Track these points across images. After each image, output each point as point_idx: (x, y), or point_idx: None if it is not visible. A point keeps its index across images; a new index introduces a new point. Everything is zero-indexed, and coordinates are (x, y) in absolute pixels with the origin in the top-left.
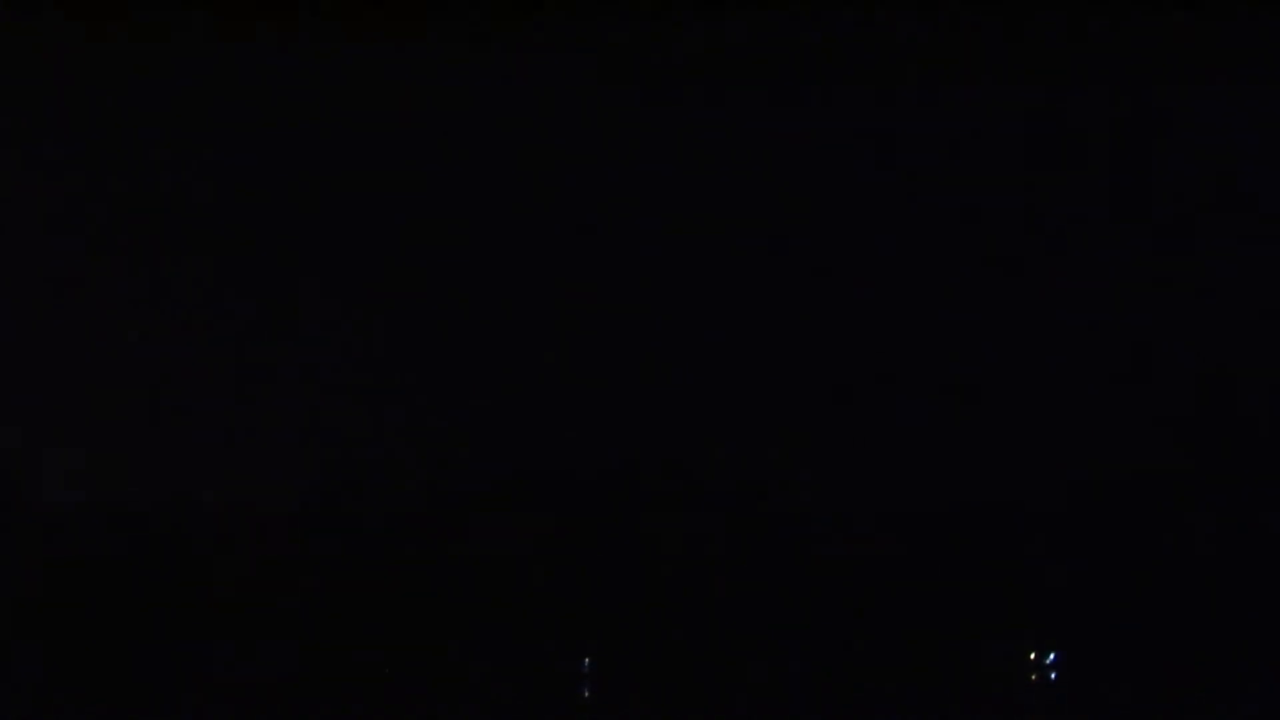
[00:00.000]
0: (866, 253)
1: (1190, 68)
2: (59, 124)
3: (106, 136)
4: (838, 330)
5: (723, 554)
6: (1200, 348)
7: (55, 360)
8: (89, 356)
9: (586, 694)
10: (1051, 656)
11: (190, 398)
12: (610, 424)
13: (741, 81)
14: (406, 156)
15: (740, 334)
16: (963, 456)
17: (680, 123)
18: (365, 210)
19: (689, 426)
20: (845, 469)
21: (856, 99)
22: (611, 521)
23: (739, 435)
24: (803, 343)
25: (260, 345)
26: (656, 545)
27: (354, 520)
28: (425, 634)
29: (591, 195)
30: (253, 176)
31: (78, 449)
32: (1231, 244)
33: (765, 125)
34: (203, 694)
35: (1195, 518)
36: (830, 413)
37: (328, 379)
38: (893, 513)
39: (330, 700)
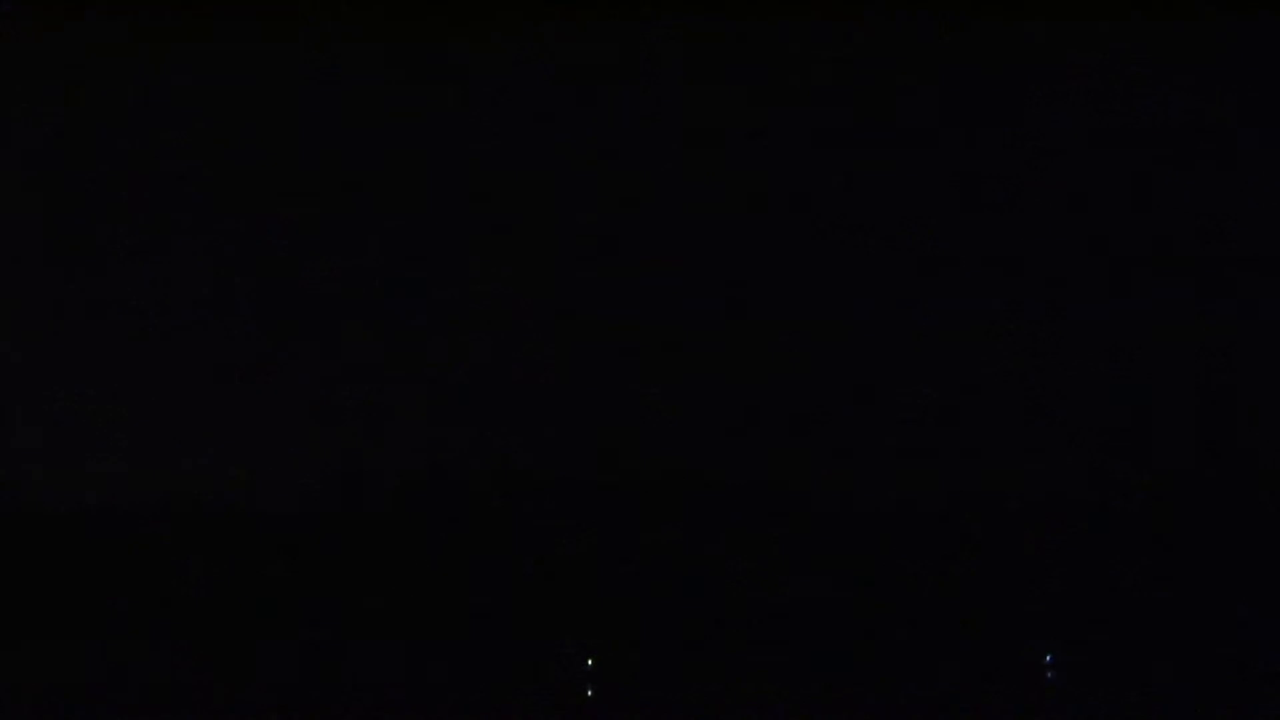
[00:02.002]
0: (866, 251)
1: (1190, 68)
2: (59, 124)
3: (107, 138)
4: (839, 330)
5: (724, 554)
6: (1201, 349)
7: (55, 360)
8: (89, 357)
9: (590, 693)
10: (1049, 658)
11: (190, 398)
12: (613, 425)
13: (741, 80)
14: (406, 160)
15: (741, 333)
16: (962, 457)
17: (679, 122)
18: (365, 212)
19: (690, 428)
20: (845, 470)
21: (856, 100)
22: (614, 522)
23: (740, 436)
24: (804, 342)
25: (260, 346)
26: (658, 546)
27: (356, 521)
28: (430, 634)
29: (591, 196)
30: (253, 178)
31: (78, 449)
32: (1232, 243)
33: (764, 125)
34: (203, 692)
35: (1195, 518)
36: (830, 413)
37: (328, 380)
38: (892, 513)
39: (332, 699)
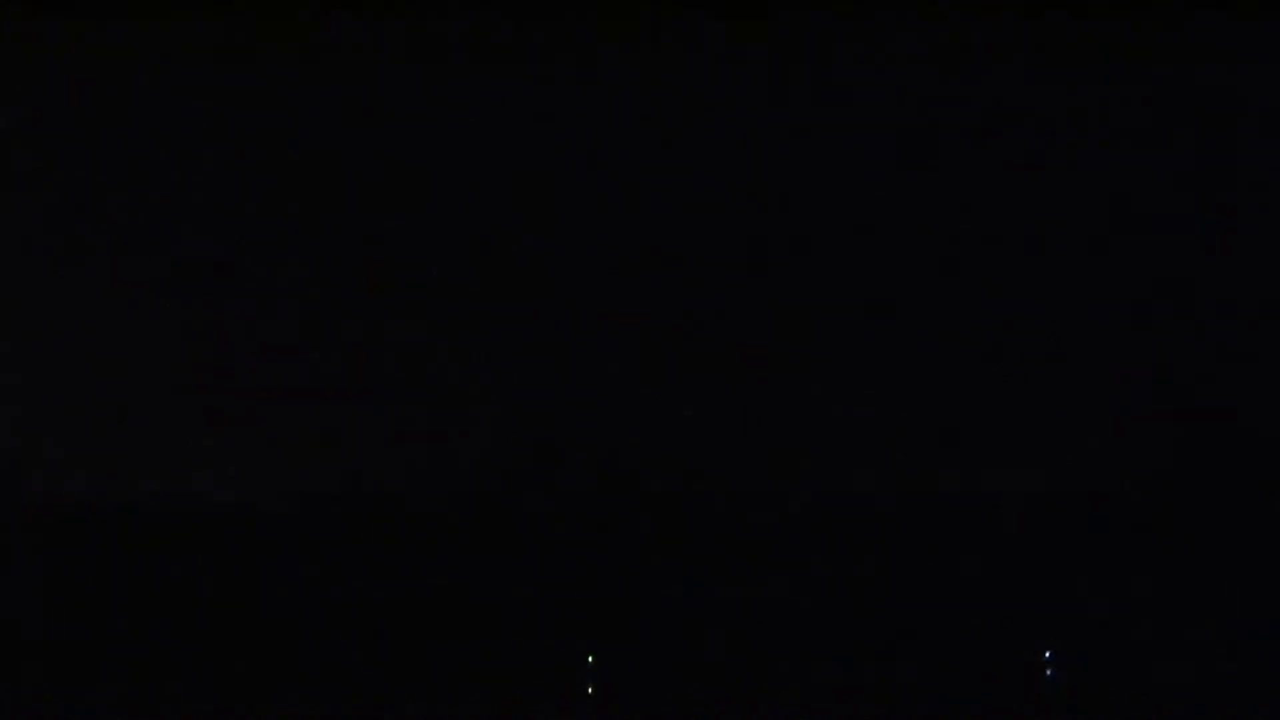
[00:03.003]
0: (860, 250)
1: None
2: (59, 125)
3: (107, 138)
4: (838, 328)
5: (723, 553)
6: (1200, 350)
7: (55, 360)
8: (89, 357)
9: (590, 690)
10: (1047, 655)
11: (190, 397)
12: (615, 426)
13: (740, 81)
14: (406, 162)
15: (739, 333)
16: (961, 454)
17: (679, 123)
18: (364, 212)
19: (692, 428)
20: (843, 468)
21: (853, 101)
22: (615, 521)
23: (741, 437)
24: (803, 341)
25: (259, 345)
26: (659, 545)
27: (357, 519)
28: (430, 633)
29: (587, 196)
30: (254, 179)
31: (76, 447)
32: (1232, 242)
33: (753, 126)
34: (202, 691)
35: (1195, 518)
36: (829, 413)
37: (327, 380)
38: (890, 514)
39: (331, 697)
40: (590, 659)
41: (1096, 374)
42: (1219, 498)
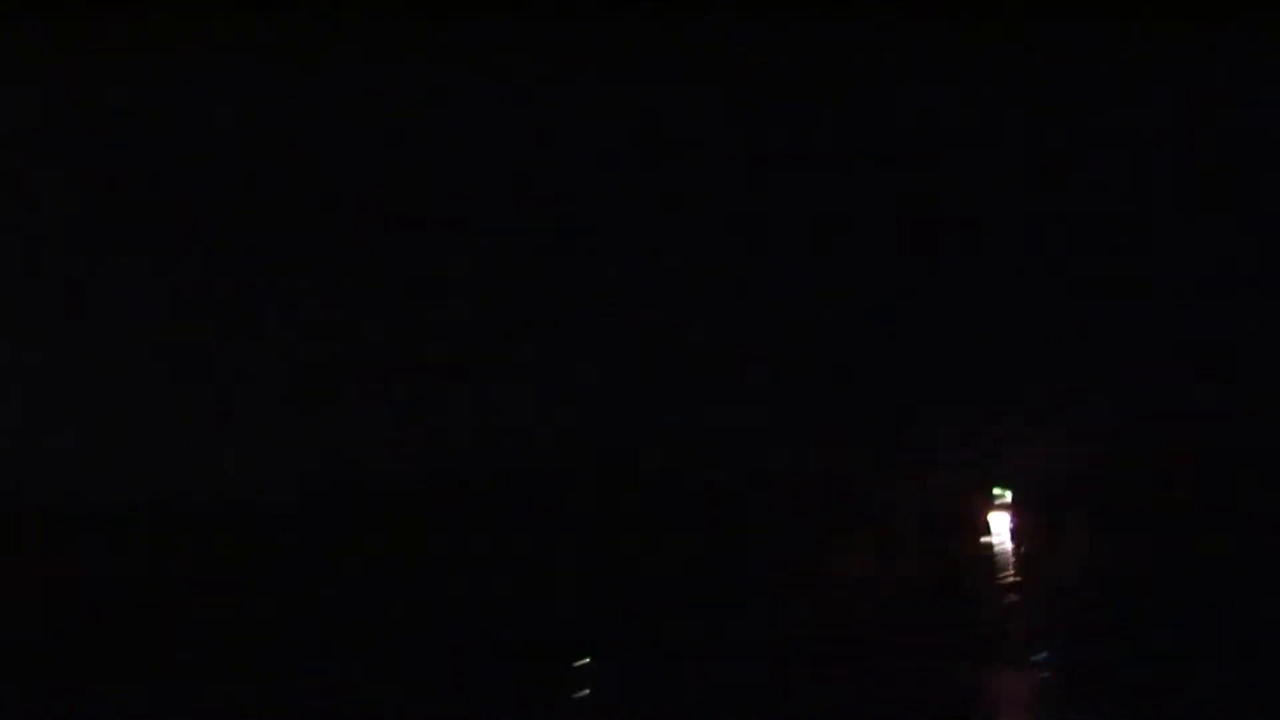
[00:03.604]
0: (855, 252)
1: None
2: (58, 125)
3: (104, 135)
4: (838, 328)
5: (723, 552)
6: (1199, 348)
7: (54, 358)
8: (88, 355)
9: (588, 692)
10: (1044, 655)
11: (188, 395)
12: (612, 422)
13: (735, 81)
14: (399, 155)
15: (734, 332)
16: (953, 453)
17: (677, 123)
18: (362, 209)
19: (692, 425)
20: (840, 467)
21: (847, 101)
22: (613, 519)
23: (741, 436)
24: (798, 340)
25: (259, 346)
26: (658, 543)
27: (354, 518)
28: (431, 631)
29: (582, 195)
30: (251, 175)
31: (76, 447)
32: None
33: (740, 128)
34: (200, 692)
35: (1194, 517)
36: (825, 412)
37: (327, 381)
38: (886, 507)
39: (325, 697)
40: (590, 659)
41: (1096, 372)
42: (1218, 497)
